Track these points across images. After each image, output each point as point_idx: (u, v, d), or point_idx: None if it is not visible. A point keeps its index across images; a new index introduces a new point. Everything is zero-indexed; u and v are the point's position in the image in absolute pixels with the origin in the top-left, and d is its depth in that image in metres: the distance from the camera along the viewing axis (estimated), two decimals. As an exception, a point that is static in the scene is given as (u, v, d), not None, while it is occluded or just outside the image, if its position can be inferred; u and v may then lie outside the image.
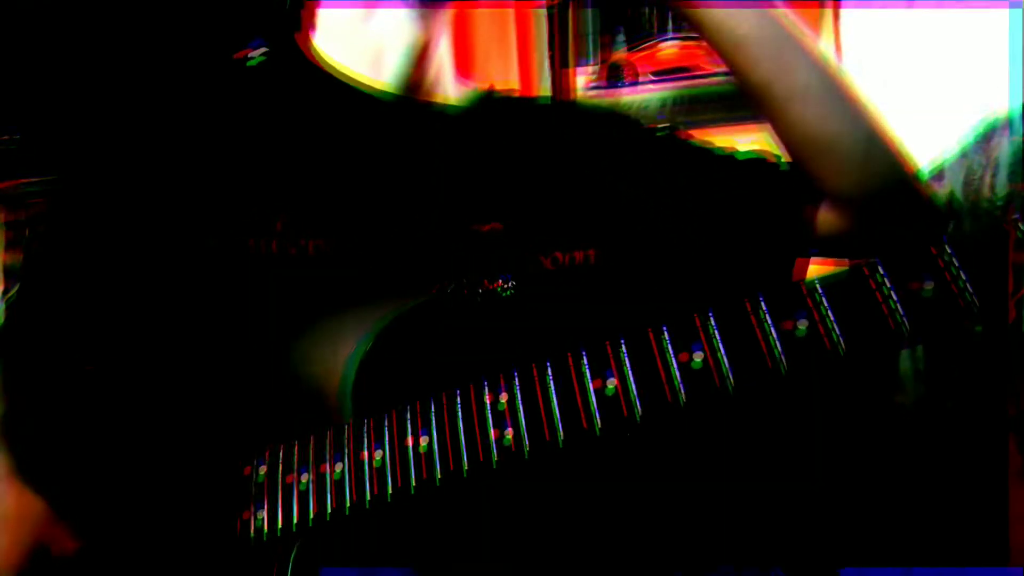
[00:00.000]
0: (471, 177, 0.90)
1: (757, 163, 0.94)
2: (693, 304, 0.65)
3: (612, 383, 0.66)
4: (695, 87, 2.11)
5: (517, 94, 1.11)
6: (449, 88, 0.95)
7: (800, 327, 0.61)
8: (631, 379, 0.65)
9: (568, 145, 0.96)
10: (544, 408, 0.67)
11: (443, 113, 0.93)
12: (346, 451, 0.73)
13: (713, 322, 0.63)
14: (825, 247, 0.92)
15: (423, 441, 0.70)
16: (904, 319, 0.58)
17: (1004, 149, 1.44)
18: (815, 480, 1.42)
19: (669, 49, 2.14)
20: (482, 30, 1.94)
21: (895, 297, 0.58)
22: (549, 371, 0.68)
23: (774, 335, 0.61)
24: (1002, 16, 1.47)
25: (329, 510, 0.72)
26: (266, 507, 0.74)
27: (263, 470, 0.76)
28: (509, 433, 0.68)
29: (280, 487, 0.74)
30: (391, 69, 0.90)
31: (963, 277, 0.57)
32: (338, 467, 0.72)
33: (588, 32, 2.18)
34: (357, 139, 0.89)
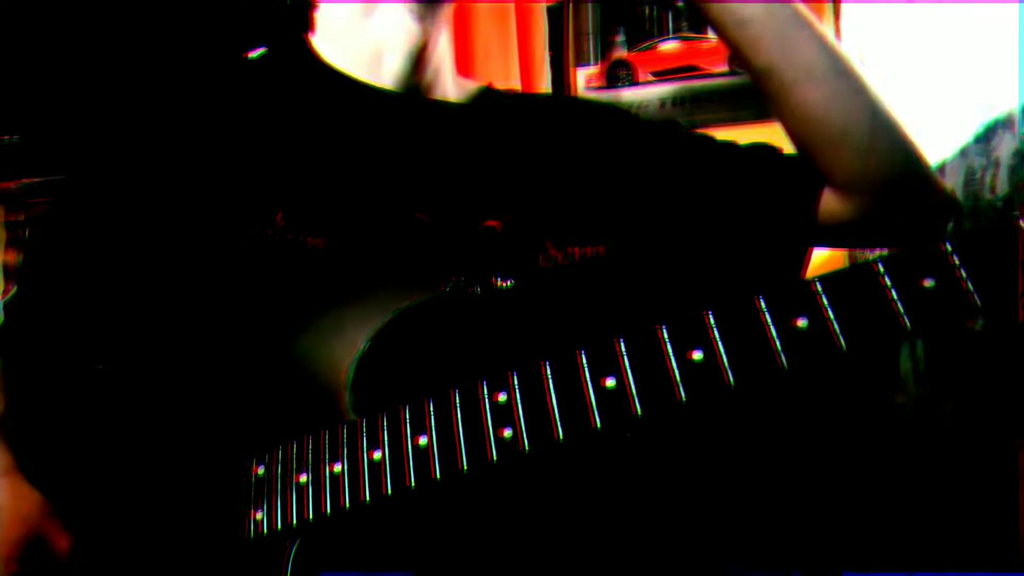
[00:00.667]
0: (473, 173, 0.90)
1: (762, 153, 0.93)
2: (698, 299, 0.64)
3: (613, 380, 0.65)
4: (695, 87, 2.12)
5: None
6: (449, 86, 0.95)
7: (801, 324, 0.60)
8: (632, 376, 0.65)
9: (570, 139, 0.96)
10: (544, 405, 0.67)
11: (444, 109, 0.93)
12: (346, 449, 0.72)
13: (714, 319, 0.63)
14: (832, 237, 0.91)
15: (423, 439, 0.70)
16: (907, 316, 0.58)
17: (1005, 148, 1.44)
18: (820, 482, 1.42)
19: (671, 48, 2.14)
20: (483, 30, 1.94)
21: (898, 294, 0.58)
22: (550, 368, 0.68)
23: (776, 331, 0.61)
24: (1002, 14, 1.47)
25: (329, 508, 0.72)
26: (265, 506, 0.74)
27: (262, 469, 0.76)
28: (509, 431, 0.67)
29: (279, 485, 0.74)
30: (390, 68, 0.90)
31: (968, 274, 0.56)
32: (337, 465, 0.72)
33: (588, 32, 2.19)
34: (359, 135, 0.89)
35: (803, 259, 0.91)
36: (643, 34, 2.19)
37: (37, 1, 1.98)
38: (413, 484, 0.69)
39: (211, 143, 0.87)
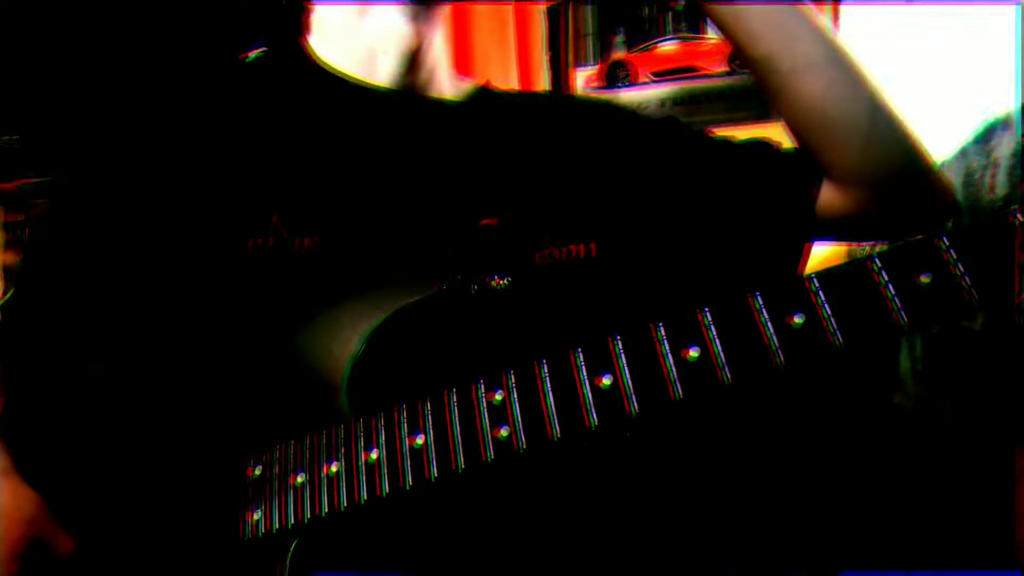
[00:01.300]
0: (469, 171, 0.90)
1: (759, 148, 0.93)
2: (694, 297, 0.64)
3: (608, 379, 0.65)
4: (695, 87, 2.12)
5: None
6: (444, 86, 0.95)
7: (797, 321, 0.60)
8: (627, 375, 0.65)
9: (567, 137, 0.96)
10: (540, 405, 0.67)
11: (440, 107, 0.93)
12: (342, 450, 0.72)
13: (710, 316, 0.63)
14: (831, 231, 0.90)
15: (419, 439, 0.70)
16: (903, 313, 0.58)
17: (1004, 149, 1.43)
18: (819, 482, 1.42)
19: (670, 49, 2.15)
20: (481, 30, 1.94)
21: (894, 290, 0.58)
22: (545, 367, 0.68)
23: (771, 329, 0.61)
24: (1002, 15, 1.47)
25: (326, 509, 0.72)
26: (263, 507, 0.74)
27: (259, 470, 0.75)
28: (505, 430, 0.67)
29: (276, 486, 0.74)
30: (384, 69, 0.90)
31: (964, 270, 0.56)
32: (334, 466, 0.72)
33: (588, 32, 2.19)
34: (354, 134, 0.89)
35: (801, 254, 0.91)
36: (642, 35, 2.19)
37: (37, 1, 1.98)
38: (409, 484, 0.69)
39: (207, 144, 0.87)
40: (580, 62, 2.19)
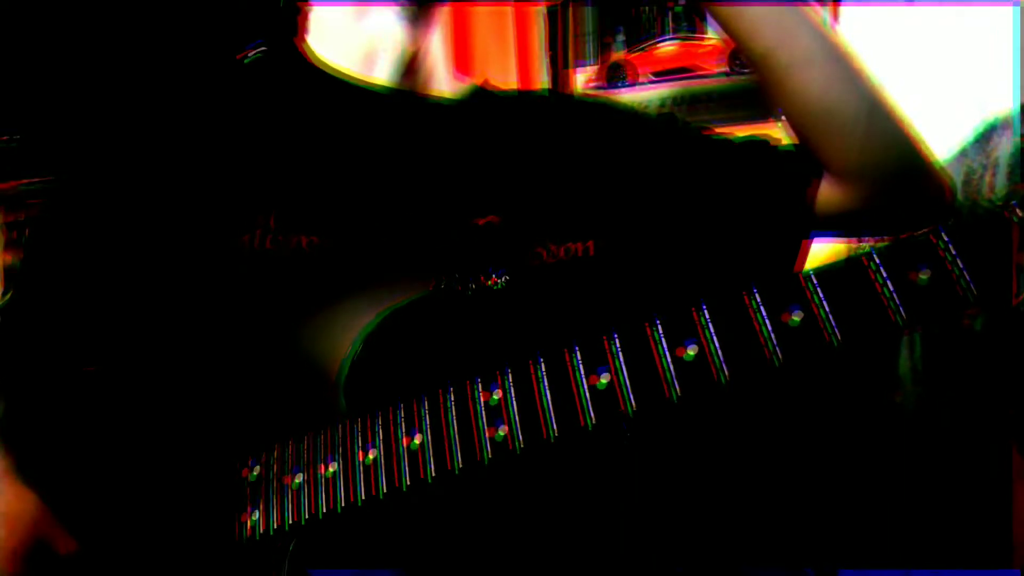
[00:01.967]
0: (466, 170, 0.90)
1: (758, 145, 0.93)
2: (692, 295, 0.64)
3: (605, 377, 0.65)
4: (694, 87, 2.12)
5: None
6: (443, 86, 0.95)
7: (795, 318, 0.60)
8: (624, 373, 0.64)
9: (563, 136, 0.95)
10: (537, 403, 0.67)
11: (436, 106, 0.93)
12: (339, 450, 0.72)
13: (706, 314, 0.63)
14: (831, 227, 0.90)
15: (416, 439, 0.70)
16: (901, 309, 0.58)
17: (1004, 149, 1.43)
18: (816, 479, 1.42)
19: (669, 49, 2.15)
20: (481, 30, 1.94)
21: (891, 287, 0.58)
22: (542, 366, 0.67)
23: (768, 326, 0.61)
24: (1001, 15, 1.47)
25: (323, 510, 0.71)
26: (260, 507, 0.74)
27: (257, 470, 0.75)
28: (502, 429, 0.67)
29: (274, 487, 0.74)
30: (383, 69, 0.90)
31: (962, 266, 0.56)
32: (332, 466, 0.72)
33: (588, 32, 2.19)
34: (351, 133, 0.89)
35: (800, 251, 0.91)
36: (642, 35, 2.20)
37: (37, 1, 1.98)
38: (406, 484, 0.69)
39: (204, 143, 0.87)
40: (579, 62, 2.19)
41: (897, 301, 0.58)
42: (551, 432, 0.66)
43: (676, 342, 0.63)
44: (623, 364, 0.64)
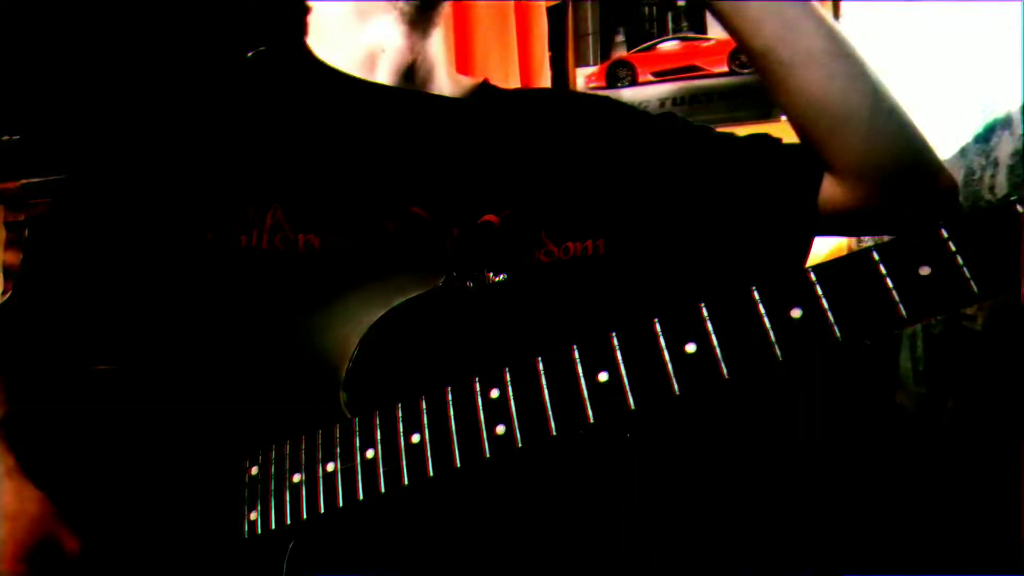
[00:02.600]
0: (470, 168, 0.90)
1: (761, 143, 0.92)
2: (697, 293, 0.64)
3: (606, 374, 0.65)
4: (695, 87, 2.12)
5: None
6: (444, 84, 0.95)
7: (795, 313, 0.60)
8: (625, 370, 0.64)
9: (568, 133, 0.95)
10: (538, 401, 0.67)
11: (440, 103, 0.93)
12: (339, 448, 0.72)
13: (707, 310, 0.62)
14: (834, 225, 0.90)
15: (416, 437, 0.70)
16: (903, 304, 0.57)
17: (1005, 148, 1.43)
18: (819, 480, 1.42)
19: (670, 48, 2.15)
20: (483, 30, 1.94)
21: (894, 282, 0.58)
22: (543, 363, 0.67)
23: (770, 322, 0.61)
24: (1002, 14, 1.47)
25: (323, 508, 0.71)
26: (261, 506, 0.74)
27: (256, 470, 0.75)
28: (503, 427, 0.67)
29: (274, 485, 0.74)
30: (384, 68, 0.90)
31: (964, 260, 0.56)
32: (331, 464, 0.72)
33: (589, 31, 2.19)
34: (355, 131, 0.89)
35: (805, 249, 0.91)
36: (643, 34, 2.20)
37: (37, 1, 1.98)
38: (407, 482, 0.69)
39: (208, 141, 0.87)
40: (582, 61, 2.19)
41: (900, 296, 0.57)
42: (553, 429, 0.66)
43: (677, 339, 0.63)
44: (624, 361, 0.64)
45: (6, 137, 2.13)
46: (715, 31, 2.14)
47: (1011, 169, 1.40)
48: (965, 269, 0.55)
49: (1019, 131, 1.39)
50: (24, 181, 2.16)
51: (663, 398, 0.63)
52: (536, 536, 0.82)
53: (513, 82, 1.94)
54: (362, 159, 0.88)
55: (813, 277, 0.60)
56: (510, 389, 0.67)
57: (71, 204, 0.92)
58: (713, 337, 0.62)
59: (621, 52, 2.20)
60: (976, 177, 1.47)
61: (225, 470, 0.76)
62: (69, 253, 0.89)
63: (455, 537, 0.78)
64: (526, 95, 1.08)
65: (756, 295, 0.61)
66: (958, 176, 1.48)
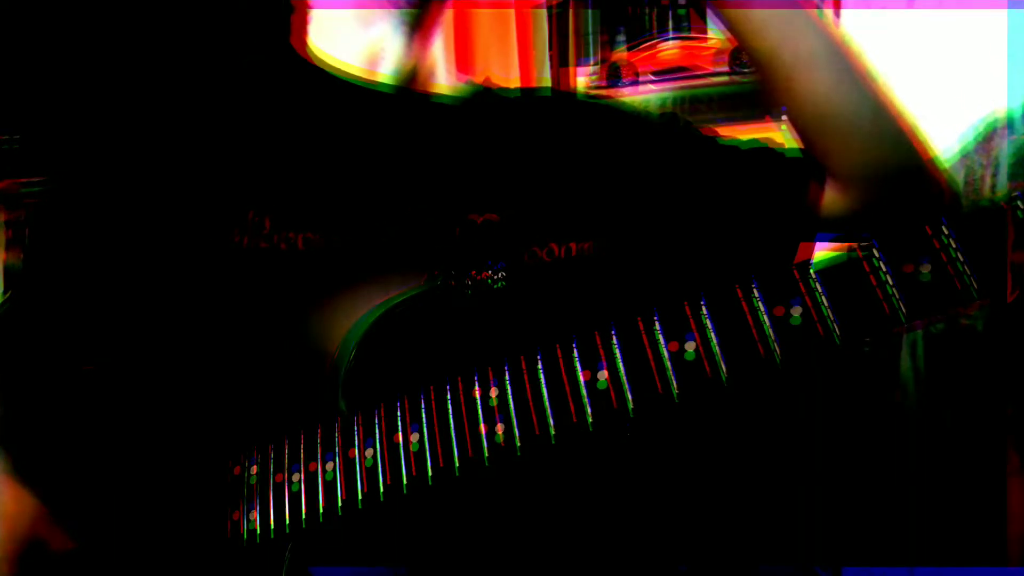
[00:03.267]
0: (465, 168, 0.90)
1: (760, 149, 0.92)
2: (692, 296, 0.64)
3: (603, 375, 0.65)
4: (695, 87, 2.12)
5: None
6: (444, 85, 0.95)
7: (794, 314, 0.60)
8: (623, 371, 0.64)
9: (564, 135, 0.95)
10: (535, 402, 0.67)
11: (437, 104, 0.93)
12: (336, 449, 0.72)
13: (705, 310, 0.62)
14: (833, 230, 0.89)
15: (414, 438, 0.70)
16: (900, 304, 0.57)
17: (1004, 149, 1.43)
18: (819, 478, 1.42)
19: (669, 49, 2.15)
20: (483, 30, 1.94)
21: (891, 281, 0.58)
22: (540, 364, 0.67)
23: (768, 323, 0.61)
24: (1002, 16, 1.47)
25: (321, 510, 0.71)
26: (258, 508, 0.74)
27: (254, 470, 0.75)
28: (500, 429, 0.67)
29: (271, 487, 0.74)
30: (384, 70, 0.91)
31: (961, 259, 0.56)
32: (329, 466, 0.72)
33: (588, 32, 2.19)
34: (351, 131, 0.89)
35: (805, 250, 0.91)
36: (643, 35, 2.20)
37: (38, 1, 1.99)
38: (404, 483, 0.69)
39: (203, 142, 0.87)
40: (581, 62, 2.19)
41: (898, 296, 0.57)
42: (549, 430, 0.66)
43: (675, 339, 0.63)
44: (621, 361, 0.64)
45: (6, 137, 2.13)
46: (716, 31, 2.15)
47: (1011, 170, 1.41)
48: (966, 269, 0.56)
49: (1019, 132, 1.39)
50: (23, 180, 2.16)
51: (661, 398, 0.63)
52: (537, 535, 0.82)
53: (513, 82, 1.94)
54: (358, 159, 0.88)
55: (812, 277, 0.60)
56: (507, 389, 0.67)
57: (68, 204, 0.91)
58: (711, 337, 0.62)
59: (620, 53, 2.20)
60: (976, 177, 1.47)
61: (222, 469, 0.76)
62: (65, 252, 0.89)
63: (455, 537, 0.78)
64: (525, 96, 1.08)
65: (755, 294, 0.61)
66: (958, 177, 1.49)
